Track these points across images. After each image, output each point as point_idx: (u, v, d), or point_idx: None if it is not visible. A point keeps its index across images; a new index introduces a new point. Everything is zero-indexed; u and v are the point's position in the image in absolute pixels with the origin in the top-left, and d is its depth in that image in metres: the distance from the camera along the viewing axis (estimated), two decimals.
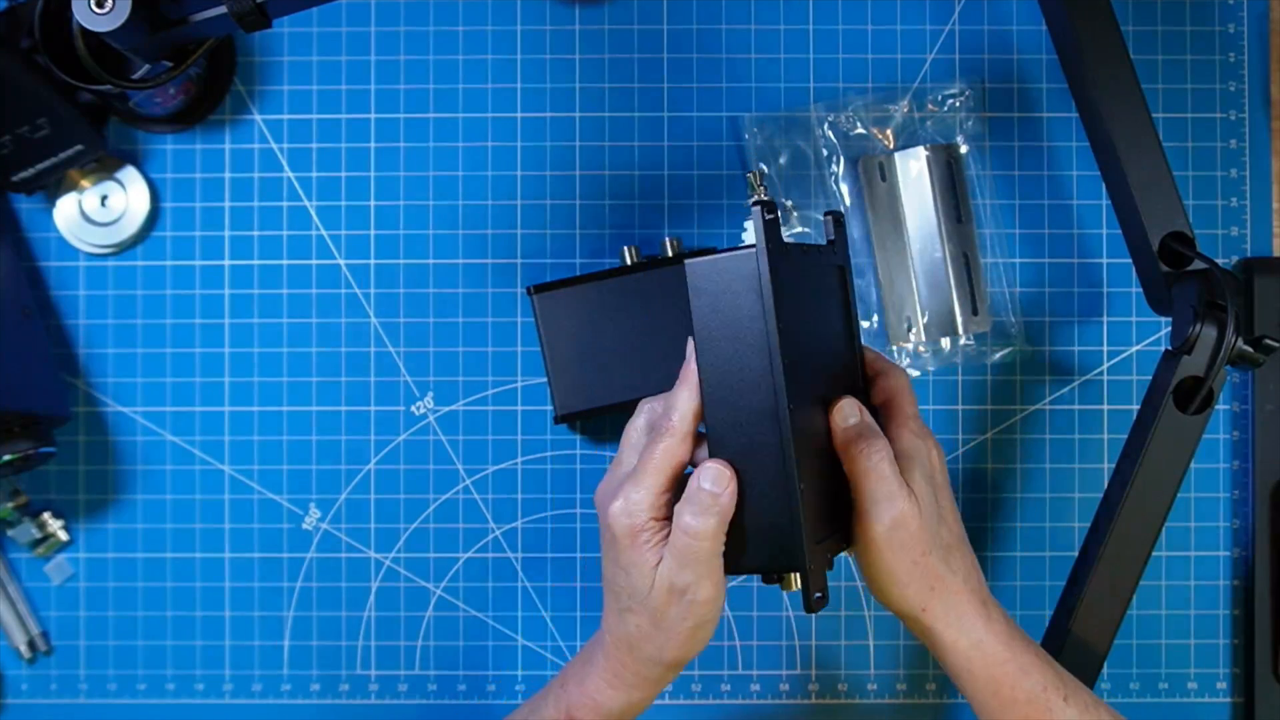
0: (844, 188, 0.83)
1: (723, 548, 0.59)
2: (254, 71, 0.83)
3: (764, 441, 0.59)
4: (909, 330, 0.83)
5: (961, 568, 0.64)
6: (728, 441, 0.60)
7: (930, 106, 0.83)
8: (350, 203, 0.83)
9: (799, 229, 0.83)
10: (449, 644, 0.84)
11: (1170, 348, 0.71)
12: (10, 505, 0.82)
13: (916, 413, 0.66)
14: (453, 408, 0.83)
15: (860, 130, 0.83)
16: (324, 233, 0.84)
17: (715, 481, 0.59)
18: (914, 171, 0.82)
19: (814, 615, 0.83)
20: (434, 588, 0.84)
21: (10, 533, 0.82)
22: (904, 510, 0.61)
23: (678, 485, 0.61)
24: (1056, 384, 0.84)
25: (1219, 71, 0.84)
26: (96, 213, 0.82)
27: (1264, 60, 0.84)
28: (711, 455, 0.60)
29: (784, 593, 0.83)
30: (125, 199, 0.82)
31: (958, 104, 0.83)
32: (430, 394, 0.83)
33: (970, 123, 0.83)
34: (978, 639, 0.64)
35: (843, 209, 0.83)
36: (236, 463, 0.83)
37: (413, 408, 0.83)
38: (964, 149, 0.83)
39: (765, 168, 0.61)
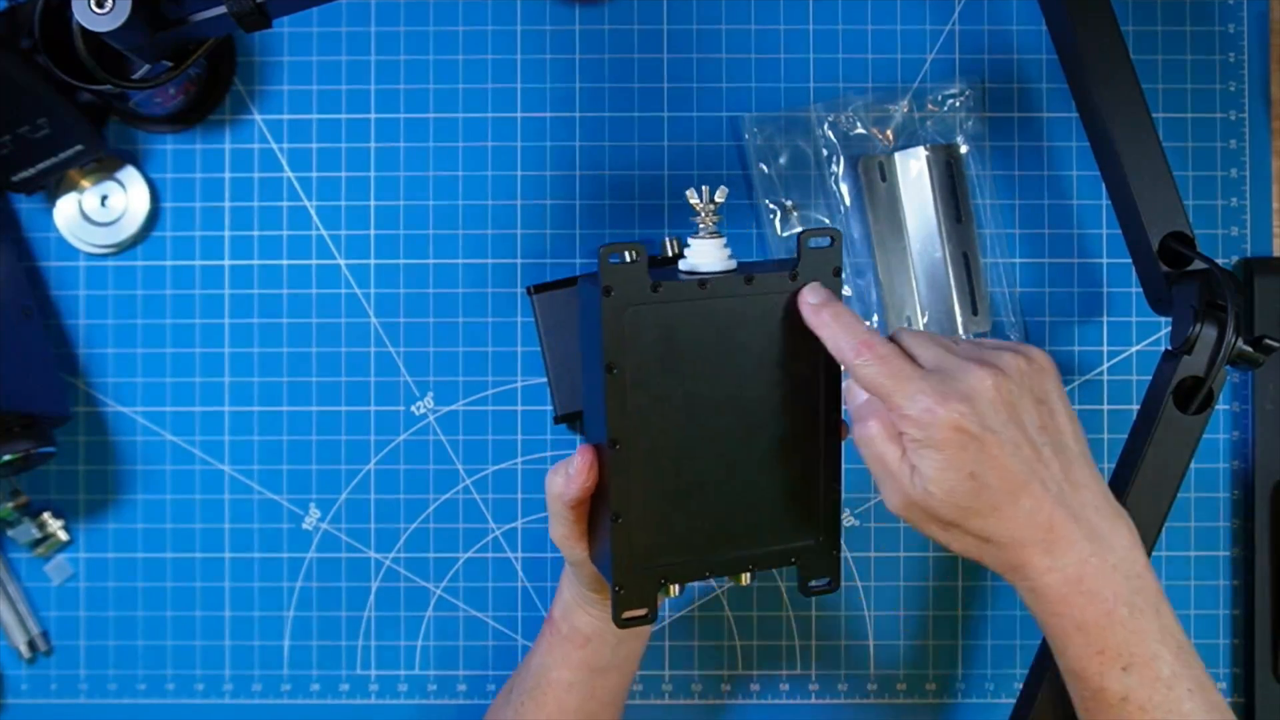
0: (844, 188, 0.83)
1: (569, 514, 0.63)
2: (254, 71, 0.83)
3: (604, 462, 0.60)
4: None
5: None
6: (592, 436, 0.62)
7: (930, 106, 0.83)
8: (350, 203, 0.83)
9: (798, 230, 0.83)
10: (449, 644, 0.84)
11: (1170, 348, 0.71)
12: (10, 505, 0.82)
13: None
14: (453, 408, 0.83)
15: (860, 130, 0.83)
16: (324, 233, 0.84)
17: (572, 466, 0.61)
18: (914, 171, 0.82)
19: (813, 615, 0.84)
20: (434, 588, 0.84)
21: (10, 533, 0.82)
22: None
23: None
24: None
25: (1219, 71, 0.84)
26: (96, 213, 0.82)
27: (1264, 60, 0.84)
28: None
29: (784, 593, 0.84)
30: (125, 199, 0.82)
31: (958, 104, 0.83)
32: (430, 394, 0.83)
33: (970, 123, 0.83)
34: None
35: (842, 209, 0.83)
36: (236, 463, 0.83)
37: (413, 408, 0.83)
38: (964, 149, 0.83)
39: (707, 188, 0.59)
